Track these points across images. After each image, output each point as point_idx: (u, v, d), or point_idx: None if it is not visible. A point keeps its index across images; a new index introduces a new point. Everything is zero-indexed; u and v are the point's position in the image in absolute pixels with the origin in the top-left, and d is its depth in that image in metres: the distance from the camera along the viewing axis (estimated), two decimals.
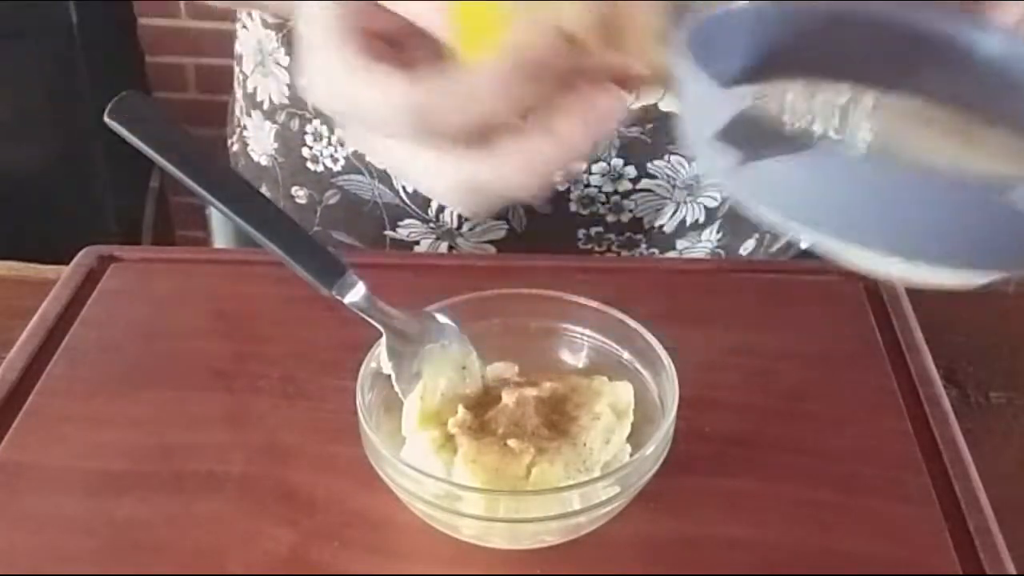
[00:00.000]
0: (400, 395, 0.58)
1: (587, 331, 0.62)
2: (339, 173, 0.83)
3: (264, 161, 0.88)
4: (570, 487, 0.53)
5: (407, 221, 0.83)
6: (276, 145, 0.86)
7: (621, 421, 0.57)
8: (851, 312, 0.70)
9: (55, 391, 0.64)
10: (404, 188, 0.82)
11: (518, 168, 0.43)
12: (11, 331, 0.68)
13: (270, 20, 0.83)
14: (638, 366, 0.60)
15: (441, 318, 0.60)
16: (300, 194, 0.86)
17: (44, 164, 2.13)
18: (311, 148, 0.84)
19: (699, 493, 0.58)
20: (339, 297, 0.60)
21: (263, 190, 0.89)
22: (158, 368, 0.66)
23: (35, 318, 0.69)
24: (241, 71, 0.89)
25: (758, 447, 0.60)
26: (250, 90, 0.87)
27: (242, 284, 0.73)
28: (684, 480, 0.57)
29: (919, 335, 0.68)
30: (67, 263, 0.74)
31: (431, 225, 0.82)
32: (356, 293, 0.60)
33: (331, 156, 0.83)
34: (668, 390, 0.57)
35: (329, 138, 0.82)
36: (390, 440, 0.56)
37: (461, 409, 0.57)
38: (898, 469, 0.59)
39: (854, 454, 0.60)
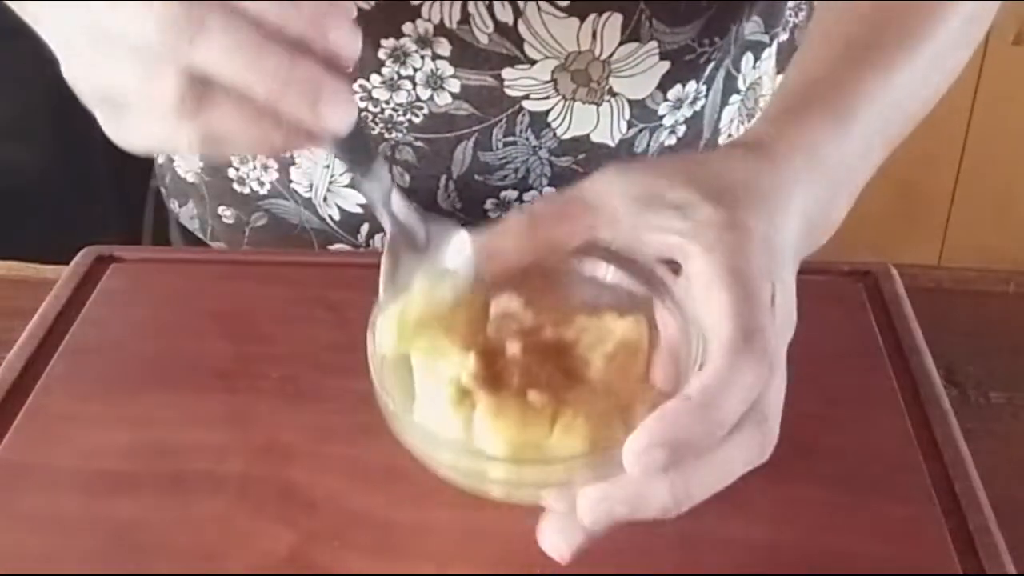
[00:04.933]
0: (380, 299, 0.54)
1: (599, 266, 0.57)
2: (265, 197, 0.83)
3: (191, 178, 0.87)
4: (595, 455, 0.49)
5: (337, 245, 0.83)
6: (202, 164, 0.85)
7: (635, 357, 0.53)
8: (851, 312, 0.70)
9: (55, 391, 0.64)
10: (331, 216, 0.81)
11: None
12: (11, 331, 0.68)
13: None
14: (652, 299, 0.55)
15: (458, 240, 0.55)
16: (227, 214, 0.85)
17: (44, 164, 2.13)
18: (237, 170, 0.83)
19: None
20: (361, 180, 0.55)
21: (190, 206, 0.88)
22: (158, 368, 0.66)
23: (35, 318, 0.69)
24: None
25: None
26: None
27: (242, 284, 0.73)
28: None
29: (919, 335, 0.68)
30: (67, 263, 0.74)
31: (362, 249, 0.82)
32: (378, 186, 0.54)
33: (257, 179, 0.82)
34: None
35: (254, 162, 0.82)
36: (403, 396, 0.53)
37: (473, 359, 0.53)
38: (898, 469, 0.59)
39: (854, 454, 0.60)
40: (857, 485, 0.58)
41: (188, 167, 0.87)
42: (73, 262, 0.74)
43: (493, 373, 0.52)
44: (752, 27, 0.79)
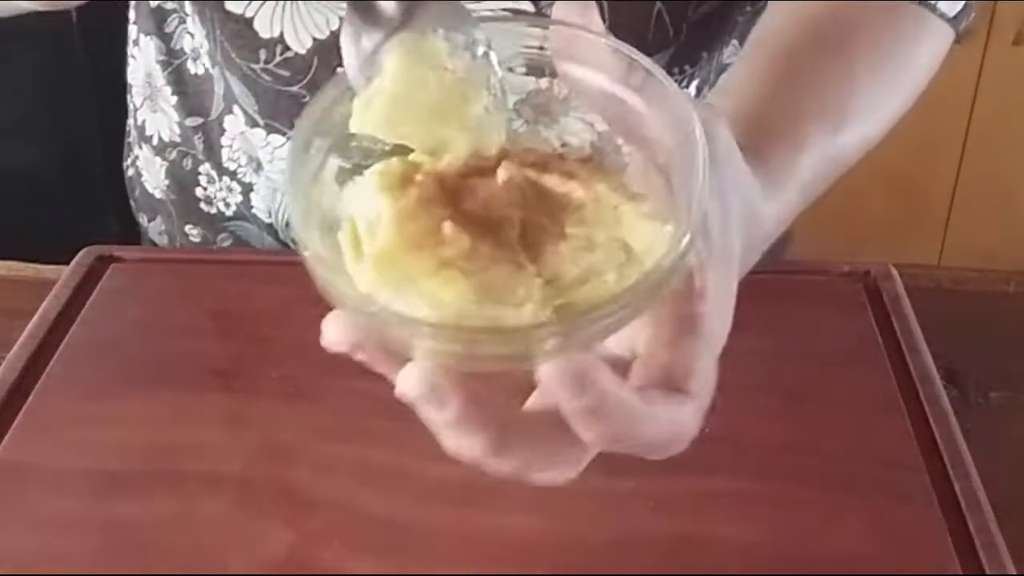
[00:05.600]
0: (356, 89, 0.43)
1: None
2: (231, 218, 0.83)
3: (158, 194, 0.86)
4: (458, 330, 0.38)
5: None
6: (168, 182, 0.84)
7: (624, 269, 0.40)
8: (851, 312, 0.70)
9: (55, 391, 0.64)
10: (293, 241, 0.81)
11: None
12: (11, 331, 0.68)
13: (159, 55, 0.81)
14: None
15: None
16: (194, 232, 0.85)
17: (44, 164, 2.12)
18: (205, 189, 0.82)
19: (699, 493, 0.58)
20: None
21: (158, 221, 0.88)
22: (158, 368, 0.66)
23: (35, 318, 0.69)
24: (131, 100, 0.87)
25: (758, 447, 0.60)
26: (139, 123, 0.85)
27: (242, 284, 0.73)
28: (684, 480, 0.57)
29: (919, 335, 0.68)
30: (67, 263, 0.74)
31: None
32: None
33: (223, 200, 0.82)
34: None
35: (222, 180, 0.81)
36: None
37: (455, 156, 0.42)
38: (898, 469, 0.59)
39: (854, 454, 0.60)
40: (857, 485, 0.58)
41: (155, 183, 0.86)
42: (73, 262, 0.74)
43: (456, 183, 0.41)
44: (731, 50, 0.77)
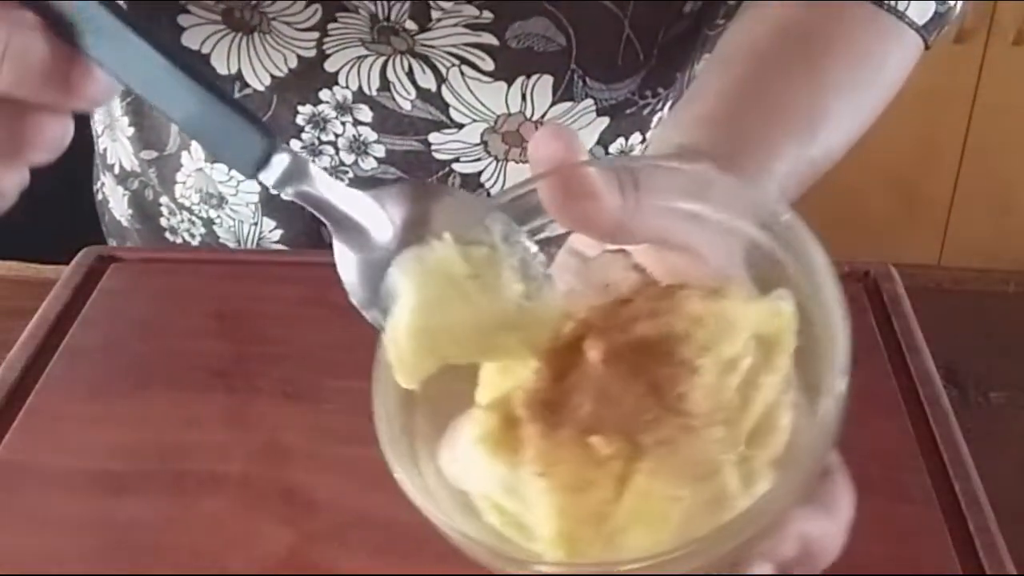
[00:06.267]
0: (375, 323, 0.39)
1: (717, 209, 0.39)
2: (198, 249, 0.82)
3: (124, 222, 0.86)
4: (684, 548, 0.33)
5: None
6: (132, 211, 0.84)
7: (770, 359, 0.37)
8: (851, 312, 0.70)
9: (55, 391, 0.64)
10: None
11: None
12: (11, 331, 0.68)
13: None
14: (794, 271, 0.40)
15: (449, 199, 0.39)
16: None
17: (44, 164, 2.13)
18: (168, 220, 0.82)
19: None
20: (263, 181, 0.40)
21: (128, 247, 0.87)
22: (158, 368, 0.66)
23: (35, 318, 0.69)
24: (94, 127, 0.86)
25: None
26: (101, 150, 0.85)
27: (242, 284, 0.73)
28: None
29: (919, 335, 0.67)
30: (67, 263, 0.74)
31: None
32: (275, 168, 0.39)
33: (187, 231, 0.82)
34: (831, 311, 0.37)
35: (182, 213, 0.81)
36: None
37: (535, 368, 0.36)
38: (898, 469, 0.59)
39: (854, 454, 0.60)
40: (857, 485, 0.58)
41: (120, 212, 0.85)
42: (73, 262, 0.74)
43: (558, 394, 0.36)
44: (702, 65, 0.75)
